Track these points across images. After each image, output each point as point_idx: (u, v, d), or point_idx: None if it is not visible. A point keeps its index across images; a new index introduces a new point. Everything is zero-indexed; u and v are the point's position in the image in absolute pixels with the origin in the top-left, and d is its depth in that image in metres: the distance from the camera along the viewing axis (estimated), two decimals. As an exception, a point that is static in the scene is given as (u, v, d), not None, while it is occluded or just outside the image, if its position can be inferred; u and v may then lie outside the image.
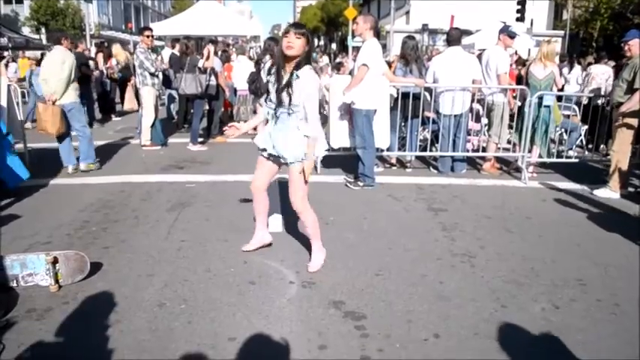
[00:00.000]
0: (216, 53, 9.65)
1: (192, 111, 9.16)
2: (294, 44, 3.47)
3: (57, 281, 3.51)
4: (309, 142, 3.57)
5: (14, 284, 3.52)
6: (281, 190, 6.07)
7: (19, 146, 7.21)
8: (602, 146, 8.40)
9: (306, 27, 3.64)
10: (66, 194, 5.90)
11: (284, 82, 3.53)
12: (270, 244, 4.29)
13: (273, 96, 3.65)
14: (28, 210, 5.23)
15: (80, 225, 4.83)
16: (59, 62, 6.51)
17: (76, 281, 3.59)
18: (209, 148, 8.80)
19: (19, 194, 5.73)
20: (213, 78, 9.15)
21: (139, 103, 9.17)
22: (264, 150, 3.82)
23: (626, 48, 6.11)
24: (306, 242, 4.21)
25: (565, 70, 11.53)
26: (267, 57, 7.96)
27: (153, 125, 8.60)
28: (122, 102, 11.23)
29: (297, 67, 3.52)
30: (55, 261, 3.49)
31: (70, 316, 3.20)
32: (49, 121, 6.37)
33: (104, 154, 7.99)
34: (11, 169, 5.81)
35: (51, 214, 5.14)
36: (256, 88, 7.89)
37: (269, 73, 3.71)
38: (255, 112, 8.79)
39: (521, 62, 9.85)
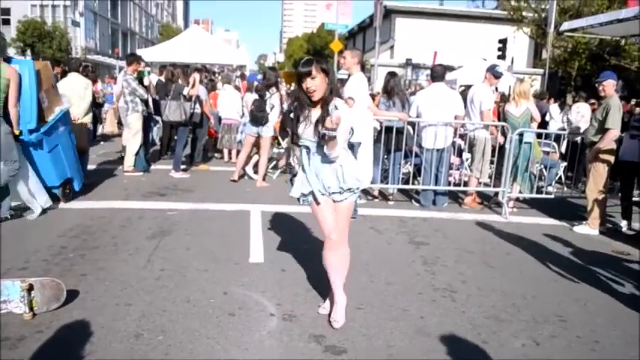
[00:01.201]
0: (201, 81, 9.71)
1: (175, 138, 9.15)
2: (314, 86, 3.25)
3: (31, 309, 3.42)
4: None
5: (-13, 311, 3.42)
6: (263, 218, 6.05)
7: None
8: (580, 183, 8.56)
9: (317, 60, 3.34)
10: (45, 218, 5.80)
11: (321, 114, 3.27)
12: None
13: (308, 134, 3.35)
14: (5, 234, 5.12)
15: (58, 251, 4.74)
16: (82, 88, 7.51)
17: (52, 309, 3.50)
18: (192, 176, 8.77)
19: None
20: (197, 106, 9.19)
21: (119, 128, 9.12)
22: (305, 195, 3.46)
23: (601, 88, 6.29)
24: (288, 274, 4.18)
25: (555, 108, 11.70)
26: (273, 89, 8.06)
27: (137, 152, 8.56)
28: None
29: (326, 101, 3.29)
30: (30, 288, 3.41)
31: (43, 346, 3.11)
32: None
33: (85, 179, 7.90)
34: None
35: (28, 238, 5.05)
36: (261, 118, 7.91)
37: (294, 113, 3.42)
38: (240, 141, 8.81)
39: (504, 99, 10.08)
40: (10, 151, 5.32)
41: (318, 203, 3.45)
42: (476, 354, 3.25)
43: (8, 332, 3.23)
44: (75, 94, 7.32)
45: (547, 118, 10.96)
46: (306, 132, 3.36)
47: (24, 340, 3.16)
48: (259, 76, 11.44)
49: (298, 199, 3.52)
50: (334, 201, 3.46)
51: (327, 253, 3.53)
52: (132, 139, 8.49)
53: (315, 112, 3.35)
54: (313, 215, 3.57)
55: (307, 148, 3.41)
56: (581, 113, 9.65)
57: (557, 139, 9.34)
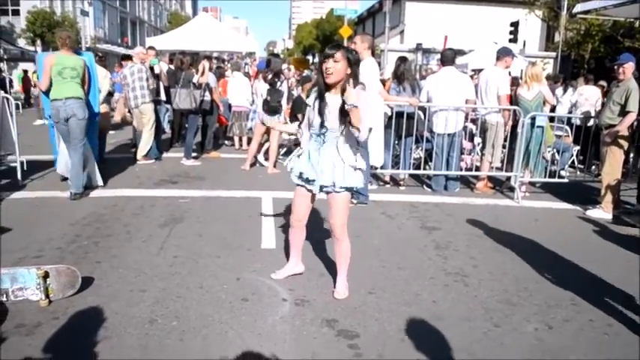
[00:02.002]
0: (210, 69, 9.69)
1: (186, 126, 9.17)
2: (333, 69, 3.30)
3: (47, 296, 3.47)
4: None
5: (4, 298, 3.47)
6: (275, 205, 6.07)
7: (12, 157, 7.19)
8: (593, 167, 8.48)
9: (346, 49, 3.40)
10: (58, 207, 5.86)
11: (339, 104, 3.32)
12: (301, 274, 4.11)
13: (317, 120, 3.44)
14: (20, 223, 5.19)
15: (72, 239, 4.80)
16: (101, 77, 8.00)
17: (67, 296, 3.55)
18: (203, 163, 8.80)
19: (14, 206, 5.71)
20: (207, 93, 9.19)
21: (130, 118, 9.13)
22: (304, 179, 3.61)
23: (620, 70, 6.18)
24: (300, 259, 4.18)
25: (559, 91, 11.65)
26: (283, 76, 8.03)
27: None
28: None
29: (344, 89, 3.28)
30: (46, 275, 3.45)
31: (59, 332, 3.16)
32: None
33: (101, 163, 7.97)
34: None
35: (42, 227, 5.10)
36: (278, 108, 7.90)
37: (309, 97, 3.55)
38: (251, 129, 8.80)
39: (516, 83, 10.00)
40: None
41: (301, 191, 3.70)
42: (488, 338, 3.25)
43: (25, 319, 3.28)
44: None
45: (555, 102, 10.86)
46: (317, 118, 3.43)
47: (40, 326, 3.20)
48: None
49: (289, 171, 3.74)
50: (327, 193, 3.57)
51: (291, 232, 3.96)
52: (147, 129, 8.51)
53: (331, 98, 3.40)
54: (293, 199, 3.84)
55: (320, 136, 3.48)
56: (584, 96, 9.54)
57: (570, 122, 9.25)
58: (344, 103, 3.24)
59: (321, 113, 3.41)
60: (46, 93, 6.24)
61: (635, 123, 7.14)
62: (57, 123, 6.20)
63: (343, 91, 3.26)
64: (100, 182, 6.81)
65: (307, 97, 3.62)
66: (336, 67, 3.30)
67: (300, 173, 3.63)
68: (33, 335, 3.10)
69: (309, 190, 3.66)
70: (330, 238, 4.84)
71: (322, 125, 3.44)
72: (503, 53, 7.30)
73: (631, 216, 6.02)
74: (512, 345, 3.19)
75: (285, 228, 5.21)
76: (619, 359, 3.09)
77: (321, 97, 3.43)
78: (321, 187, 3.56)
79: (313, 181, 3.57)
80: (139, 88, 8.34)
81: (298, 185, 3.72)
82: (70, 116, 6.09)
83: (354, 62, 3.38)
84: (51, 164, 7.53)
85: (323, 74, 3.38)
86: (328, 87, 3.40)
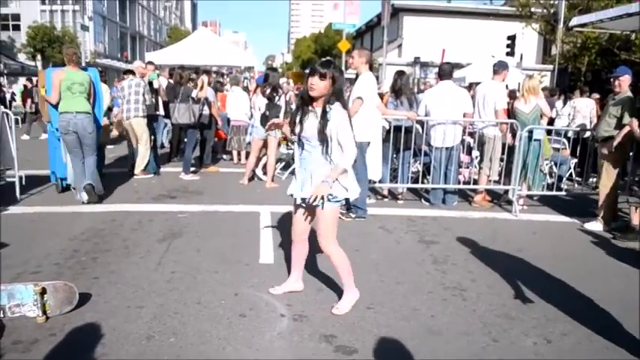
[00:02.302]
0: (209, 83, 9.75)
1: (185, 140, 9.20)
2: (317, 86, 3.42)
3: (45, 312, 3.46)
4: (335, 167, 3.43)
5: (0, 315, 3.46)
6: (273, 220, 6.08)
7: (10, 172, 7.20)
8: (590, 179, 8.50)
9: (334, 65, 3.49)
10: (56, 222, 5.86)
11: (319, 117, 3.44)
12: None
13: (297, 129, 3.56)
14: (17, 238, 5.18)
15: (70, 254, 4.79)
16: (102, 91, 7.90)
17: (64, 312, 3.54)
18: (201, 178, 8.81)
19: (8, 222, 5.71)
20: (206, 108, 9.23)
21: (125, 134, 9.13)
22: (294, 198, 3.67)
23: (617, 83, 6.22)
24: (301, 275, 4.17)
25: (559, 104, 11.70)
26: (281, 90, 8.08)
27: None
28: None
29: (327, 104, 3.45)
30: (43, 291, 3.45)
31: (56, 349, 3.15)
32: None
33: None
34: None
35: (40, 242, 5.10)
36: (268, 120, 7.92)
37: (296, 112, 3.63)
38: (249, 143, 8.82)
39: (513, 96, 10.07)
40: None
41: (296, 205, 3.73)
42: (487, 352, 3.24)
43: (22, 335, 3.27)
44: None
45: (553, 114, 10.91)
46: (304, 128, 3.52)
47: (37, 343, 3.19)
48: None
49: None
50: (314, 205, 3.55)
51: (293, 247, 4.00)
52: (142, 144, 8.54)
53: (311, 113, 3.51)
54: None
55: (301, 146, 3.58)
56: (577, 108, 9.59)
57: (567, 135, 9.28)
58: (322, 126, 3.41)
59: (301, 122, 3.53)
60: (55, 107, 6.64)
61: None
62: (65, 134, 6.52)
63: (327, 103, 3.43)
64: (102, 191, 7.03)
65: (296, 111, 3.68)
66: (318, 84, 3.42)
67: (293, 195, 3.69)
68: (30, 352, 3.09)
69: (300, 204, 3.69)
70: (323, 256, 4.85)
71: (301, 135, 3.54)
72: (501, 67, 7.35)
73: (626, 235, 6.00)
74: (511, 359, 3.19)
75: (284, 243, 5.22)
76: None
77: (302, 106, 3.55)
78: (303, 199, 3.59)
79: (304, 199, 3.60)
80: (134, 101, 8.39)
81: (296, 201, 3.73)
82: (80, 130, 6.48)
83: (336, 79, 3.46)
84: (49, 179, 7.57)
85: (307, 87, 3.49)
86: (311, 99, 3.51)
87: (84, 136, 6.53)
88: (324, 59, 3.64)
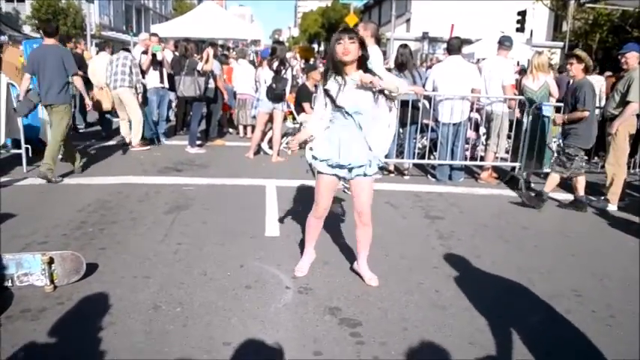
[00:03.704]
0: (216, 56, 9.66)
1: (190, 113, 9.17)
2: (351, 49, 3.36)
3: (52, 281, 3.50)
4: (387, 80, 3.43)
5: (9, 284, 3.50)
6: (279, 193, 6.08)
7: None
8: (595, 158, 8.45)
9: (357, 33, 3.49)
10: (63, 194, 5.89)
11: (357, 84, 3.40)
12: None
13: (342, 102, 3.44)
14: (25, 209, 5.22)
15: (77, 225, 4.82)
16: (108, 63, 8.60)
17: (72, 282, 3.58)
18: (207, 151, 8.80)
19: (18, 193, 5.74)
20: (212, 81, 9.17)
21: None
22: (334, 165, 3.54)
23: (623, 60, 6.15)
24: (303, 247, 4.21)
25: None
26: (288, 63, 8.02)
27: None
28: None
29: (364, 68, 3.43)
30: (50, 261, 3.48)
31: (64, 317, 3.19)
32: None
33: (101, 155, 8.00)
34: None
35: (48, 213, 5.13)
36: (283, 95, 7.90)
37: (326, 81, 3.52)
38: (254, 117, 8.78)
39: (524, 73, 9.96)
40: None
41: (339, 178, 3.64)
42: (490, 328, 3.26)
43: (30, 304, 3.31)
44: (100, 69, 8.80)
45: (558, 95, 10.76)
46: (345, 99, 3.43)
47: (45, 311, 3.24)
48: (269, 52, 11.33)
49: (310, 164, 3.66)
50: (363, 175, 3.56)
51: (313, 224, 3.85)
52: (132, 115, 8.52)
53: (349, 78, 3.44)
54: (317, 187, 3.70)
55: (343, 115, 3.48)
56: None
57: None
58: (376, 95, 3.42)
59: (346, 94, 3.43)
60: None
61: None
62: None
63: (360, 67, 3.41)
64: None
65: (325, 83, 3.55)
66: (352, 47, 3.36)
67: (328, 160, 3.53)
68: (38, 320, 3.13)
69: (338, 177, 3.63)
70: (334, 226, 4.87)
71: (349, 106, 3.44)
72: (509, 42, 7.25)
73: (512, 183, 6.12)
74: (515, 335, 3.20)
75: (290, 216, 5.24)
76: (620, 351, 3.09)
77: (337, 76, 3.46)
78: (351, 171, 3.55)
79: (343, 166, 3.53)
80: (120, 72, 8.40)
81: (324, 174, 3.61)
82: None
83: (364, 43, 3.46)
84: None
85: (338, 54, 3.39)
86: (344, 65, 3.43)
87: None
88: (342, 28, 3.61)
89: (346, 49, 3.35)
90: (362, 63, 3.45)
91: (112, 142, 9.09)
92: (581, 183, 6.10)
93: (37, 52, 6.50)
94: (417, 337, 3.12)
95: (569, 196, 6.68)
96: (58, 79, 6.31)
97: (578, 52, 6.14)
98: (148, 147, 8.67)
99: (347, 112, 3.46)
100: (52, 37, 6.46)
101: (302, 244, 4.17)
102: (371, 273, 3.80)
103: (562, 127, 6.24)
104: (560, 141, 8.24)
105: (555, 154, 6.14)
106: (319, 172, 3.63)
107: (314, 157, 3.60)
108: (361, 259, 3.84)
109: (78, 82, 6.57)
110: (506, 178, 7.44)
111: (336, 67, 3.47)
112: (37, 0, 34.79)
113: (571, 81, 6.44)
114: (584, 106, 5.80)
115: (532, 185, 6.96)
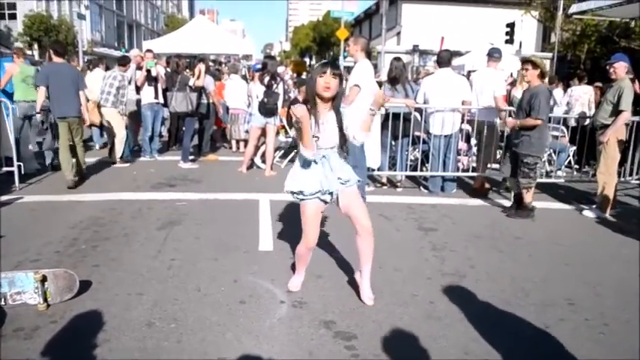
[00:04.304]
0: (208, 71, 9.70)
1: (183, 129, 9.18)
2: (332, 85, 3.31)
3: (45, 300, 3.48)
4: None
5: (2, 302, 3.48)
6: (272, 207, 6.09)
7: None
8: (586, 167, 8.51)
9: (336, 64, 3.49)
10: (56, 211, 5.87)
11: (338, 123, 3.40)
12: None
13: (323, 137, 3.38)
14: (17, 227, 5.19)
15: (70, 242, 4.80)
16: (101, 79, 8.78)
17: (65, 300, 3.56)
18: (200, 166, 8.81)
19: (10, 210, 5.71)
20: (204, 96, 9.20)
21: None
22: (323, 192, 3.47)
23: (612, 70, 6.23)
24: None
25: (558, 92, 11.63)
26: (279, 77, 8.07)
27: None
28: None
29: (336, 103, 3.42)
30: (43, 279, 3.46)
31: (57, 336, 3.17)
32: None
33: (94, 171, 7.99)
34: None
35: (40, 231, 5.11)
36: (275, 110, 7.92)
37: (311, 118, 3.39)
38: (247, 131, 8.80)
39: (514, 84, 10.04)
40: None
41: (325, 203, 3.57)
42: (485, 338, 3.26)
43: (23, 323, 3.29)
44: (95, 84, 8.82)
45: (551, 103, 10.85)
46: (326, 136, 3.39)
47: (38, 330, 3.21)
48: (258, 66, 11.37)
49: (292, 193, 3.53)
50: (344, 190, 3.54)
51: (304, 254, 3.77)
52: (115, 134, 8.59)
53: (326, 115, 3.41)
54: (304, 218, 3.58)
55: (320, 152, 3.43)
56: (574, 96, 9.57)
57: (566, 123, 9.27)
58: (340, 127, 3.40)
59: (318, 129, 3.38)
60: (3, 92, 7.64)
61: (635, 123, 7.20)
62: (21, 119, 7.55)
63: (336, 105, 3.41)
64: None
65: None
66: (333, 82, 3.32)
67: (320, 187, 3.47)
68: (31, 339, 3.11)
69: (324, 202, 3.55)
70: (327, 240, 4.87)
71: (324, 142, 3.41)
72: (498, 54, 7.34)
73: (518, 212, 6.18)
74: (509, 345, 3.21)
75: (283, 230, 5.25)
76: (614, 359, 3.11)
77: (313, 112, 3.37)
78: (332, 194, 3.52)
79: (329, 191, 3.49)
80: (106, 93, 8.48)
81: (308, 200, 3.51)
82: (30, 114, 7.59)
83: (343, 77, 3.47)
84: (46, 169, 7.61)
85: (318, 88, 3.33)
86: (323, 100, 3.38)
87: (32, 119, 7.68)
88: (324, 61, 3.65)
89: (327, 83, 3.29)
90: (335, 98, 3.41)
91: (102, 157, 9.04)
92: (530, 192, 6.14)
93: (50, 68, 7.17)
94: (412, 348, 3.12)
95: (559, 205, 6.73)
96: (72, 94, 6.93)
97: (533, 58, 6.22)
98: (128, 164, 8.68)
99: (328, 148, 3.44)
100: (62, 57, 7.20)
101: (294, 265, 4.15)
102: (370, 291, 3.71)
103: (513, 133, 6.21)
104: (551, 151, 8.33)
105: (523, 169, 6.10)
106: (302, 200, 3.53)
107: (300, 192, 3.49)
108: (364, 272, 3.71)
109: (83, 97, 7.09)
110: (502, 187, 7.48)
111: (313, 99, 3.38)
112: (29, 17, 34.82)
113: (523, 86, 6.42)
114: (538, 115, 5.82)
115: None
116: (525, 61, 6.16)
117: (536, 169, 6.05)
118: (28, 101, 7.57)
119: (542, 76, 5.96)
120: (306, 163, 3.46)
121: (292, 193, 3.53)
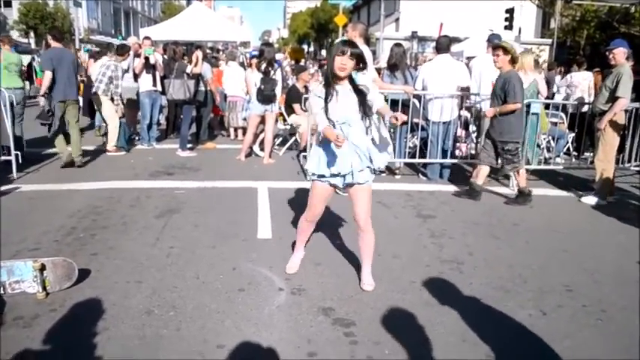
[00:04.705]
0: (205, 58, 9.63)
1: (181, 117, 9.15)
2: (347, 66, 3.34)
3: (44, 288, 3.48)
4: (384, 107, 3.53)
5: (1, 291, 3.48)
6: (271, 195, 6.08)
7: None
8: (585, 154, 8.51)
9: (355, 44, 3.46)
10: (54, 200, 5.86)
11: (352, 94, 3.42)
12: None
13: (337, 113, 3.41)
14: (16, 216, 5.19)
15: (68, 231, 4.80)
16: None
17: (64, 288, 3.56)
18: (198, 154, 8.79)
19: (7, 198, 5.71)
20: (201, 84, 9.15)
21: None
22: (332, 174, 3.51)
23: (611, 56, 6.19)
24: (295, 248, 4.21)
25: (558, 78, 11.62)
26: (285, 63, 8.00)
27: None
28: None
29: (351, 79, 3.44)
30: (42, 268, 3.47)
31: (57, 324, 3.18)
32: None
33: (92, 159, 7.97)
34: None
35: (39, 220, 5.10)
36: (273, 97, 7.89)
37: (324, 93, 3.46)
38: (245, 119, 8.76)
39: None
40: None
41: (332, 186, 3.62)
42: (483, 324, 3.28)
43: (22, 311, 3.30)
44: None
45: (554, 89, 10.84)
46: (333, 110, 3.41)
47: (38, 318, 3.22)
48: (255, 52, 11.30)
49: (311, 174, 3.61)
50: (358, 183, 3.55)
51: (305, 227, 3.92)
52: (110, 124, 8.56)
53: (341, 89, 3.42)
54: (311, 193, 3.69)
55: (339, 127, 3.43)
56: (573, 82, 9.54)
57: (565, 109, 9.25)
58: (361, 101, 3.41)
59: (334, 105, 3.41)
60: None
61: (634, 109, 7.18)
62: (4, 106, 7.26)
63: (357, 88, 3.42)
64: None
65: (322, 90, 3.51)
66: (349, 64, 3.34)
67: (329, 168, 3.50)
68: (31, 327, 3.12)
69: (333, 185, 3.61)
70: (326, 227, 4.87)
71: (339, 116, 3.42)
72: (498, 40, 7.29)
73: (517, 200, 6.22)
74: (506, 330, 3.23)
75: (282, 218, 5.25)
76: (611, 345, 3.13)
77: (329, 88, 3.43)
78: (345, 180, 3.53)
79: (336, 175, 3.51)
80: (98, 81, 8.43)
81: (319, 182, 3.61)
82: (15, 102, 7.47)
83: (361, 59, 3.42)
84: (48, 157, 7.60)
85: (334, 66, 3.36)
86: (336, 78, 3.41)
87: (16, 107, 7.58)
88: (343, 39, 3.60)
89: (343, 64, 3.32)
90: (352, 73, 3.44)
91: (100, 145, 9.00)
92: (522, 175, 6.20)
93: (53, 52, 7.30)
94: (410, 335, 3.13)
95: (557, 192, 6.74)
96: (72, 78, 7.30)
97: (504, 43, 6.20)
98: (123, 152, 8.66)
99: (336, 123, 3.43)
100: (60, 42, 7.44)
101: (294, 246, 4.18)
102: (370, 278, 3.75)
103: (491, 121, 6.19)
104: (550, 137, 8.32)
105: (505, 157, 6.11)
106: (314, 180, 3.63)
107: (313, 174, 3.60)
108: (365, 267, 3.79)
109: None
110: (498, 175, 7.48)
111: (331, 74, 3.42)
112: (25, 5, 34.54)
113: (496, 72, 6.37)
114: (514, 99, 5.83)
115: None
116: (496, 47, 6.13)
117: (518, 154, 6.09)
118: (11, 88, 7.52)
119: (512, 61, 5.96)
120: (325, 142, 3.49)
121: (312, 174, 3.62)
